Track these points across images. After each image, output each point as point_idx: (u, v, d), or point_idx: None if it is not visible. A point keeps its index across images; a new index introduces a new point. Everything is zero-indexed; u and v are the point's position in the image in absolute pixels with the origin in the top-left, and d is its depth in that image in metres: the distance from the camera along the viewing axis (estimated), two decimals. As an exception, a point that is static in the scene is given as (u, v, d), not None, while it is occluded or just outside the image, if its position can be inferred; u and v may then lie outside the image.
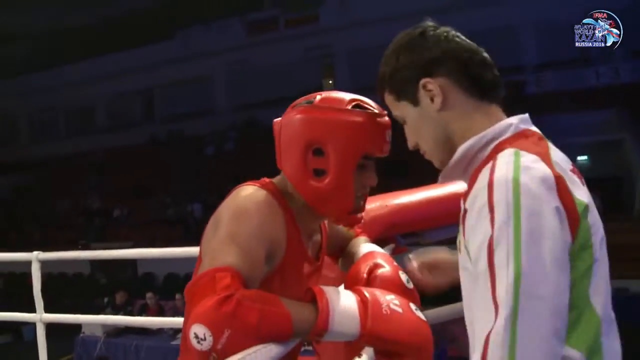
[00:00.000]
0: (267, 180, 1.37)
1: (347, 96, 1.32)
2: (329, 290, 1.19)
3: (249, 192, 1.28)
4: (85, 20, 21.22)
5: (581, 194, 1.01)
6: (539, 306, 0.94)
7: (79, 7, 20.14)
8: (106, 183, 18.51)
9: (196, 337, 1.05)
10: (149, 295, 9.03)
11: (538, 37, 16.05)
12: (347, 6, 17.97)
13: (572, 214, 0.97)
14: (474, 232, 1.00)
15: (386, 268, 1.33)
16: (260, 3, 19.38)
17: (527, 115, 1.13)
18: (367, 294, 1.20)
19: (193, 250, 3.56)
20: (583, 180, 1.07)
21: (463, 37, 1.16)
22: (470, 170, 1.10)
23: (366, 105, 1.32)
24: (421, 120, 1.15)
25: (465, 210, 1.04)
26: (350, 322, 1.15)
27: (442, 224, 1.88)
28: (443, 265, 1.42)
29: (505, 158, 1.02)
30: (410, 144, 1.20)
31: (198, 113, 20.00)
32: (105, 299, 9.80)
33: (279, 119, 1.36)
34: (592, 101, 13.52)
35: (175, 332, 7.14)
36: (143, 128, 21.18)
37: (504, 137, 1.09)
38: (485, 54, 1.15)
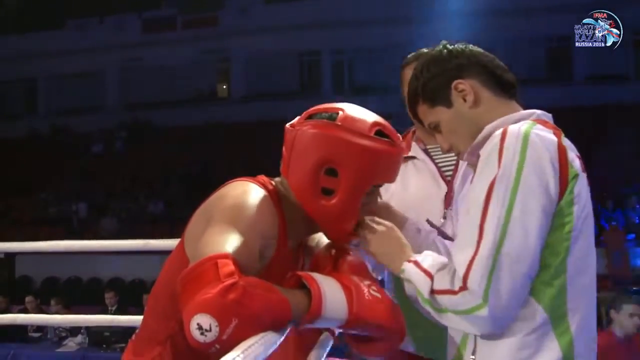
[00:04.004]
0: (265, 178, 1.33)
1: (369, 118, 1.30)
2: (316, 275, 1.18)
3: (247, 188, 1.26)
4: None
5: (576, 165, 1.17)
6: (522, 242, 1.10)
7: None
8: (-20, 178, 17.30)
9: (200, 328, 0.98)
10: (28, 299, 8.51)
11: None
12: (247, 12, 17.89)
13: (564, 176, 1.13)
14: (481, 174, 1.15)
15: (352, 254, 1.34)
16: (158, 1, 18.89)
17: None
18: (348, 280, 1.20)
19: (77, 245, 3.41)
20: (584, 171, 1.22)
21: (478, 48, 1.32)
22: None
23: (388, 132, 1.30)
24: (456, 119, 1.27)
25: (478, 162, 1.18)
26: (339, 308, 1.15)
27: None
28: None
29: (520, 123, 1.18)
30: (445, 147, 1.31)
31: (86, 109, 19.07)
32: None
33: (292, 124, 1.32)
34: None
35: (60, 339, 6.69)
36: (24, 121, 19.95)
37: (525, 120, 1.22)
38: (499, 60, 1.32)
